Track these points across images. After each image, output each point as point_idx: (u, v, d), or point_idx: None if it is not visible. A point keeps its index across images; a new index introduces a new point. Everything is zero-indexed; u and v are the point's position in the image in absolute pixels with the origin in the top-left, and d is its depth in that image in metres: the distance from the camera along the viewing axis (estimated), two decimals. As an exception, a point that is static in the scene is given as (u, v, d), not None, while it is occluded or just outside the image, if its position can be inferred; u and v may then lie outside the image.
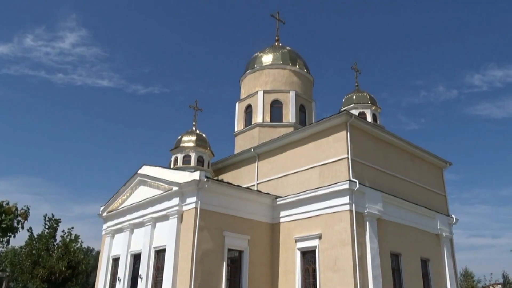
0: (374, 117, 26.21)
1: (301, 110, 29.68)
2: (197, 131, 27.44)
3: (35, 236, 28.34)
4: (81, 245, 29.25)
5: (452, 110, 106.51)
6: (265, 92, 29.31)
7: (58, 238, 29.10)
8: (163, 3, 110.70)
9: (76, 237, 28.63)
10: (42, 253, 27.13)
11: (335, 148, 20.21)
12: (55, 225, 28.76)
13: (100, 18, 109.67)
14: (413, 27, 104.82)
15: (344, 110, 21.57)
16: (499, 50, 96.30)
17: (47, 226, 28.95)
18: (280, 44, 32.91)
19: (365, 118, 25.46)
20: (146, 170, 23.58)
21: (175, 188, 20.42)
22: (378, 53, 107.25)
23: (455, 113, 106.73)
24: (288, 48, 32.23)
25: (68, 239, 28.77)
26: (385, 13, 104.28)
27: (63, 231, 29.80)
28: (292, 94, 29.06)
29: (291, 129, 27.01)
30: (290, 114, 28.65)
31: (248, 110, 30.18)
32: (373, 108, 26.34)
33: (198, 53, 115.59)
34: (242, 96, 31.44)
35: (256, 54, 32.05)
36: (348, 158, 19.48)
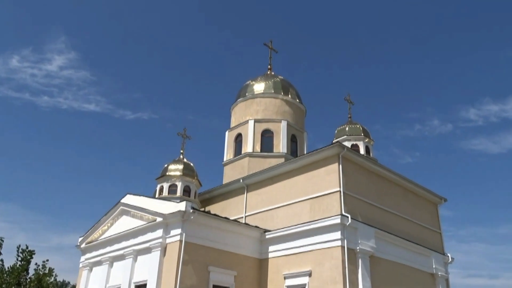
0: (367, 149, 26.52)
1: (293, 141, 30.01)
2: (185, 160, 27.44)
3: (6, 269, 27.39)
4: (56, 280, 28.31)
5: (447, 144, 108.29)
6: (256, 121, 29.70)
7: (32, 271, 28.13)
8: (155, 29, 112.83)
9: (50, 270, 27.70)
10: (13, 287, 26.18)
11: (327, 180, 20.29)
12: (28, 257, 27.84)
13: (90, 41, 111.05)
14: (408, 59, 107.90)
15: (337, 142, 21.82)
16: (495, 85, 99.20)
17: (19, 258, 28.00)
18: (273, 73, 33.65)
19: (358, 151, 25.74)
20: (129, 199, 23.37)
21: (159, 219, 20.12)
22: (372, 84, 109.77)
23: (450, 147, 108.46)
24: (280, 77, 32.93)
25: (41, 273, 27.81)
26: (380, 45, 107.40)
27: (36, 263, 28.78)
28: (283, 124, 29.48)
29: (282, 160, 27.25)
30: (281, 144, 28.94)
31: (238, 139, 30.44)
32: (366, 140, 26.71)
33: (189, 80, 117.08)
34: (233, 124, 31.77)
35: (248, 82, 32.68)
36: (340, 191, 19.53)
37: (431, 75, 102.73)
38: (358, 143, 26.40)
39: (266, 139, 29.36)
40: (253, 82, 32.18)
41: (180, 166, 26.50)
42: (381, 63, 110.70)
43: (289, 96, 31.36)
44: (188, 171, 26.50)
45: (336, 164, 20.24)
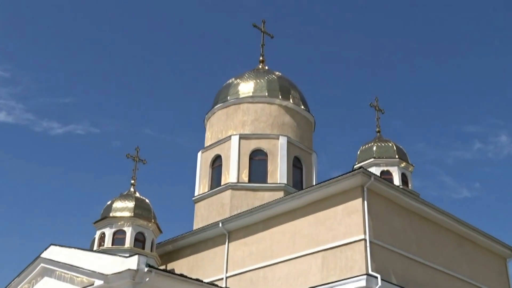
0: (404, 178, 26.67)
1: (296, 166, 30.00)
2: (137, 194, 27.44)
3: None
4: None
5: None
6: (242, 137, 29.66)
7: None
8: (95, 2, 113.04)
9: None
10: None
11: (347, 224, 20.25)
12: None
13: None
14: (466, 48, 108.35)
15: (360, 167, 21.72)
16: None
17: None
18: (266, 68, 33.83)
19: (392, 180, 25.80)
20: (54, 252, 23.16)
21: (98, 282, 19.85)
22: (409, 83, 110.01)
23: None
24: (277, 73, 33.14)
25: None
26: (423, 25, 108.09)
27: None
28: (282, 141, 29.44)
29: (281, 194, 27.04)
30: (279, 171, 28.87)
31: (216, 163, 30.41)
32: (402, 165, 26.95)
33: (145, 77, 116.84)
34: (208, 142, 31.79)
35: (231, 81, 32.82)
36: (365, 240, 19.44)
37: (497, 71, 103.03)
38: (391, 169, 26.67)
39: (257, 164, 29.32)
40: (238, 81, 32.32)
41: (130, 204, 26.41)
42: (423, 52, 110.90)
43: (290, 100, 31.55)
44: (142, 210, 26.39)
45: (360, 200, 20.22)
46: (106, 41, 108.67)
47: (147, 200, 27.44)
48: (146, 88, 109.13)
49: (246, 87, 32.09)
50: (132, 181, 28.42)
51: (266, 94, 31.56)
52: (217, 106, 32.31)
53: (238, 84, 32.47)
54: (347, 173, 20.92)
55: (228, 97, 31.99)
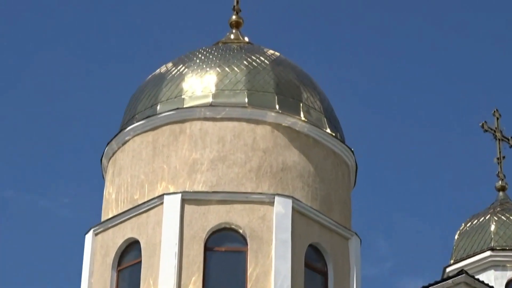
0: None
1: (312, 266, 19.15)
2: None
3: None
4: None
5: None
6: (187, 199, 18.56)
7: None
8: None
9: None
10: None
11: None
12: None
13: None
14: None
15: (461, 272, 14.68)
16: None
17: None
18: (246, 39, 21.68)
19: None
20: None
21: None
22: None
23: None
24: (269, 51, 20.91)
25: None
26: None
27: None
28: (281, 210, 18.66)
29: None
30: (273, 278, 18.11)
31: (128, 259, 19.63)
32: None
33: None
34: (109, 211, 19.96)
35: (164, 70, 20.41)
36: None
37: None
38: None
39: (223, 262, 18.37)
40: (182, 69, 19.76)
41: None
42: None
43: (301, 115, 19.27)
44: None
45: None
46: None
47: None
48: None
49: (199, 84, 19.22)
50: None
51: (246, 100, 18.70)
52: (130, 128, 19.12)
53: (181, 76, 19.34)
54: (439, 282, 14.27)
55: (158, 107, 18.92)
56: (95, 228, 19.06)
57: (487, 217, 22.83)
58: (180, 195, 17.17)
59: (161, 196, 17.36)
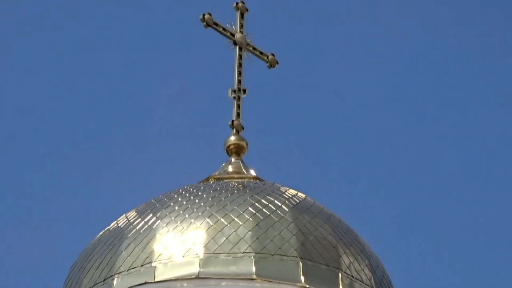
0: None
1: None
2: None
3: None
4: None
5: None
6: None
7: None
8: None
9: None
10: None
11: None
12: None
13: None
14: None
15: None
16: None
17: None
18: (253, 174, 16.26)
19: None
20: None
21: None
22: None
23: None
24: (290, 191, 15.61)
25: None
26: None
27: None
28: None
29: None
30: None
31: None
32: None
33: None
34: None
35: (123, 221, 15.66)
36: None
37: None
38: None
39: None
40: (153, 220, 14.57)
41: None
42: None
43: None
44: None
45: None
46: None
47: None
48: None
49: (178, 245, 13.35)
50: None
51: (253, 268, 12.81)
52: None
53: (150, 232, 13.56)
54: None
55: (115, 282, 12.97)
56: None
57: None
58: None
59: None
